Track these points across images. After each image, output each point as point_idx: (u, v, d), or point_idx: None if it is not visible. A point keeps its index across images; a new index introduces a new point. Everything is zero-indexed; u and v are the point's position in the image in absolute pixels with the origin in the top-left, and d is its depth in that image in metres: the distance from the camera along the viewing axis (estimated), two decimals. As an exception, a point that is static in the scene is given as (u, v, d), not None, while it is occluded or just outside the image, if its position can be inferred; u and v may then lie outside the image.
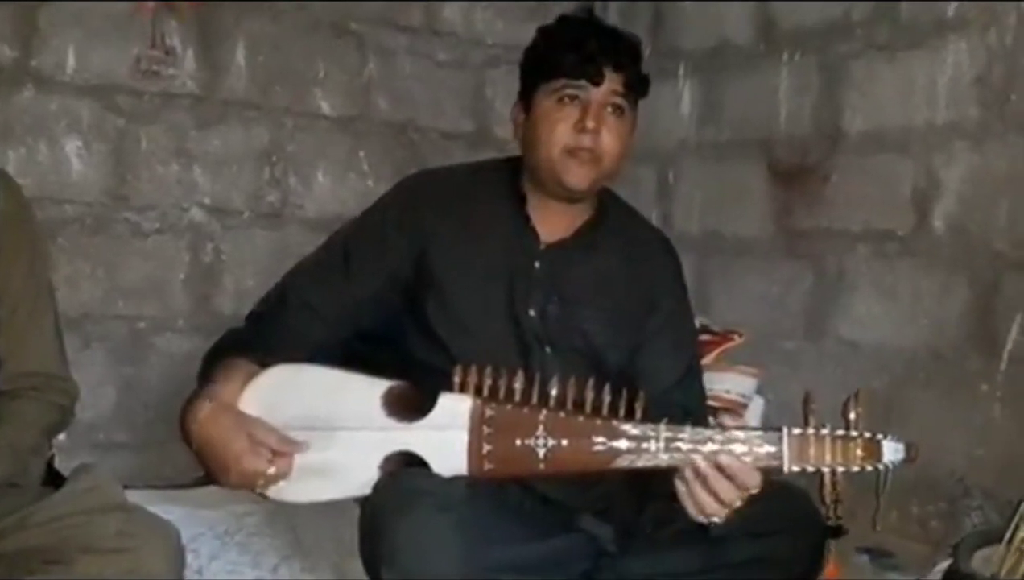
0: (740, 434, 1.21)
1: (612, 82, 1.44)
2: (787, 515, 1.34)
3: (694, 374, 1.58)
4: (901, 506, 2.14)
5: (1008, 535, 1.37)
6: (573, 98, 1.44)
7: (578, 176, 1.44)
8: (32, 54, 2.24)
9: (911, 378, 2.26)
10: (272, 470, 1.28)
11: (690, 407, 1.52)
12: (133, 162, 2.37)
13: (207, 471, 1.32)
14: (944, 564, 1.57)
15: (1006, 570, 1.35)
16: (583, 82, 1.43)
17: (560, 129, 1.44)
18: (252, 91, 2.49)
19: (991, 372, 2.09)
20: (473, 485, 1.27)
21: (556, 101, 1.45)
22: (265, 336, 1.41)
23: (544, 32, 1.51)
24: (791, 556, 1.37)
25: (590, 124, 1.42)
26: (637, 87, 1.47)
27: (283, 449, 1.28)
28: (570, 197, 1.48)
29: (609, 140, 1.44)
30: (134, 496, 1.34)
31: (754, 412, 2.34)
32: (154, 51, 2.34)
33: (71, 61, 2.28)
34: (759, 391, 2.36)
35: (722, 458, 1.20)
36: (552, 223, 1.50)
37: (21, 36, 2.23)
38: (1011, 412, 2.07)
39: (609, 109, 1.44)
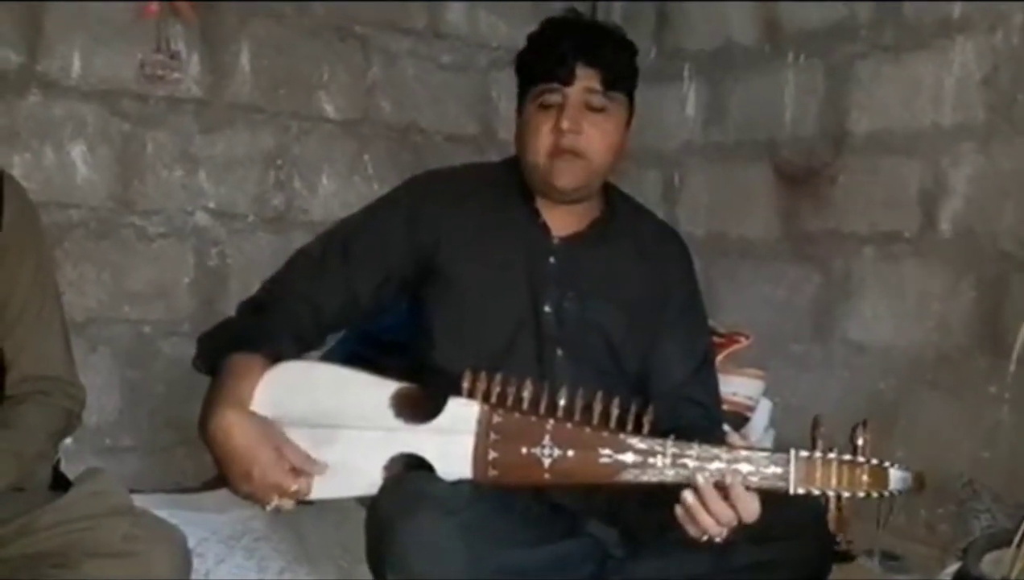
0: (747, 453, 1.21)
1: (586, 80, 1.44)
2: (794, 520, 1.33)
3: (707, 367, 1.57)
4: (909, 509, 2.13)
5: (1018, 538, 1.36)
6: (553, 102, 1.44)
7: (566, 177, 1.45)
8: (37, 59, 2.25)
9: (918, 380, 2.25)
10: (294, 487, 1.28)
11: (703, 400, 1.53)
12: (138, 166, 2.37)
13: (226, 478, 1.31)
14: (953, 567, 1.57)
15: (1016, 573, 1.34)
16: (555, 84, 1.43)
17: (541, 133, 1.44)
18: (257, 95, 2.49)
19: (999, 374, 2.08)
20: (479, 489, 1.26)
21: (538, 106, 1.46)
22: (264, 328, 1.40)
23: (529, 37, 1.51)
24: (797, 561, 1.36)
25: (565, 125, 1.42)
26: (616, 81, 1.46)
27: (308, 469, 1.28)
28: (565, 198, 1.48)
29: (593, 137, 1.44)
30: (140, 500, 1.34)
31: (761, 415, 2.33)
32: (159, 55, 2.34)
33: (76, 66, 2.28)
34: (766, 394, 2.35)
35: (726, 479, 1.20)
36: (562, 219, 1.50)
37: (26, 41, 2.23)
38: (1019, 414, 2.06)
39: (593, 106, 1.44)
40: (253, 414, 1.30)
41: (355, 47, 2.62)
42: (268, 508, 1.30)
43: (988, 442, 2.11)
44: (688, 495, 1.21)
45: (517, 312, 1.47)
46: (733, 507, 1.20)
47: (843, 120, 2.41)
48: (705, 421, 1.50)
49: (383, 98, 2.66)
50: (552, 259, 1.49)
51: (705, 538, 1.24)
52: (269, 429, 1.29)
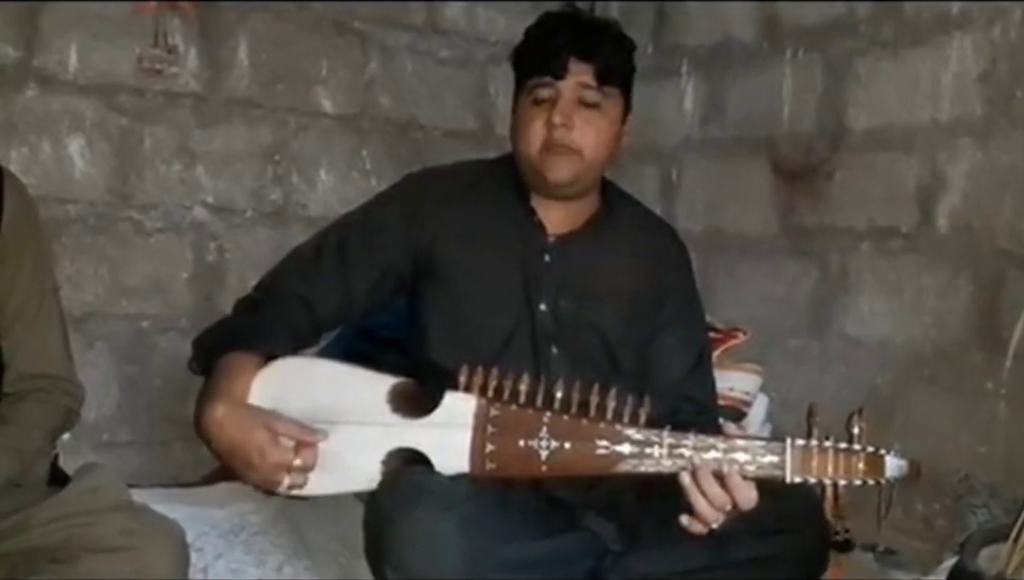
0: (743, 443, 1.22)
1: (580, 74, 1.43)
2: (792, 514, 1.34)
3: (704, 364, 1.58)
4: (906, 504, 2.13)
5: (1014, 533, 1.36)
6: (547, 96, 1.44)
7: (558, 170, 1.44)
8: (35, 53, 2.24)
9: (915, 375, 2.25)
10: (298, 461, 1.27)
11: (700, 398, 1.53)
12: (136, 161, 2.37)
13: (232, 471, 1.31)
14: (949, 562, 1.57)
15: (1012, 568, 1.34)
16: (548, 78, 1.43)
17: (534, 128, 1.45)
18: (255, 90, 2.49)
19: (996, 369, 2.08)
20: (477, 483, 1.27)
21: (532, 101, 1.46)
22: (259, 326, 1.40)
23: (525, 31, 1.51)
24: (796, 555, 1.37)
25: (556, 119, 1.42)
26: (610, 76, 1.45)
27: (306, 438, 1.28)
28: (559, 193, 1.48)
29: (586, 133, 1.44)
30: (138, 495, 1.34)
31: (758, 410, 2.33)
32: (156, 50, 2.34)
33: (74, 60, 2.28)
34: (763, 389, 2.36)
35: (724, 467, 1.20)
36: (558, 217, 1.50)
37: (24, 36, 2.23)
38: (1016, 409, 2.07)
39: (586, 101, 1.44)
40: (243, 404, 1.30)
41: (354, 42, 2.62)
42: (281, 490, 1.29)
43: (985, 437, 2.11)
44: (684, 476, 1.22)
45: (513, 310, 1.47)
46: (729, 494, 1.21)
47: (841, 116, 2.41)
48: (701, 418, 1.50)
49: (381, 93, 2.66)
50: (547, 257, 1.49)
51: (702, 529, 1.24)
52: (260, 413, 1.29)
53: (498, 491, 1.33)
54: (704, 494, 1.21)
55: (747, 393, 2.30)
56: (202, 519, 1.84)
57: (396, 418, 1.30)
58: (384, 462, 1.28)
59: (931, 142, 2.24)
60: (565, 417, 1.25)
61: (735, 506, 1.22)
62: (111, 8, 2.29)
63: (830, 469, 1.19)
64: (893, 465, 1.20)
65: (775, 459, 1.20)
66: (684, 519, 1.25)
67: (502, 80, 2.70)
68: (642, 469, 1.23)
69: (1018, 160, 2.10)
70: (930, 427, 2.19)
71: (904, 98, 2.29)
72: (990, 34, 2.14)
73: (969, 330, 2.17)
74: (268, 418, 1.28)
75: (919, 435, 2.18)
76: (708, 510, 1.22)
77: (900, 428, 2.22)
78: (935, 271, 2.23)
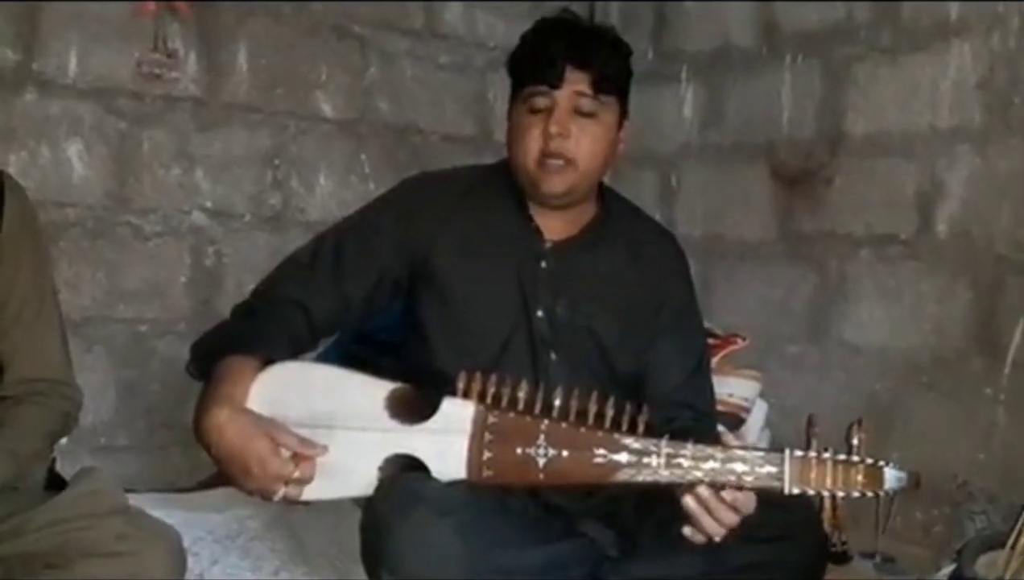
0: (741, 453, 1.21)
1: (576, 83, 1.43)
2: (788, 521, 1.34)
3: (702, 371, 1.57)
4: (904, 511, 2.13)
5: (1012, 540, 1.36)
6: (543, 105, 1.43)
7: (553, 183, 1.44)
8: (34, 57, 2.24)
9: (914, 381, 2.25)
10: (297, 473, 1.27)
11: (698, 404, 1.53)
12: (135, 165, 2.37)
13: (227, 476, 1.31)
14: (948, 569, 1.57)
15: (1010, 575, 1.34)
16: (544, 87, 1.43)
17: (531, 136, 1.44)
18: (254, 94, 2.49)
19: (994, 375, 2.09)
20: (474, 489, 1.27)
21: (528, 109, 1.45)
22: (257, 331, 1.40)
23: (521, 38, 1.51)
24: (792, 562, 1.36)
25: (553, 129, 1.42)
26: (606, 84, 1.45)
27: (306, 451, 1.28)
28: (555, 204, 1.48)
29: (582, 141, 1.43)
30: (135, 500, 1.34)
31: (757, 416, 2.33)
32: (156, 54, 2.34)
33: (73, 64, 2.28)
34: (762, 395, 2.36)
35: (726, 492, 1.20)
36: (555, 223, 1.50)
37: (23, 39, 2.22)
38: (1015, 416, 2.07)
39: (583, 109, 1.43)
40: (244, 410, 1.30)
41: (353, 47, 2.62)
42: (276, 499, 1.29)
43: (983, 444, 2.11)
44: (690, 501, 1.22)
45: (509, 316, 1.47)
46: (734, 508, 1.21)
47: (840, 122, 2.41)
48: (700, 425, 1.50)
49: (380, 98, 2.66)
50: (544, 263, 1.49)
51: (704, 539, 1.24)
52: (261, 421, 1.29)
53: (495, 497, 1.33)
54: (713, 516, 1.22)
55: (746, 399, 2.30)
56: (199, 524, 1.84)
57: (394, 424, 1.29)
58: (381, 468, 1.28)
59: (930, 148, 2.24)
60: (563, 425, 1.25)
61: (741, 513, 1.22)
62: (110, 11, 2.29)
63: (829, 481, 1.18)
64: (892, 477, 1.19)
65: (773, 470, 1.20)
66: (687, 530, 1.25)
67: (501, 85, 2.68)
68: (639, 479, 1.22)
69: (1016, 167, 2.10)
70: (928, 433, 2.19)
71: (903, 104, 2.29)
72: (988, 41, 2.15)
73: (968, 336, 2.17)
74: (269, 427, 1.28)
75: (917, 441, 2.18)
76: (715, 527, 1.23)
77: (898, 434, 2.22)
78: (934, 277, 2.23)
